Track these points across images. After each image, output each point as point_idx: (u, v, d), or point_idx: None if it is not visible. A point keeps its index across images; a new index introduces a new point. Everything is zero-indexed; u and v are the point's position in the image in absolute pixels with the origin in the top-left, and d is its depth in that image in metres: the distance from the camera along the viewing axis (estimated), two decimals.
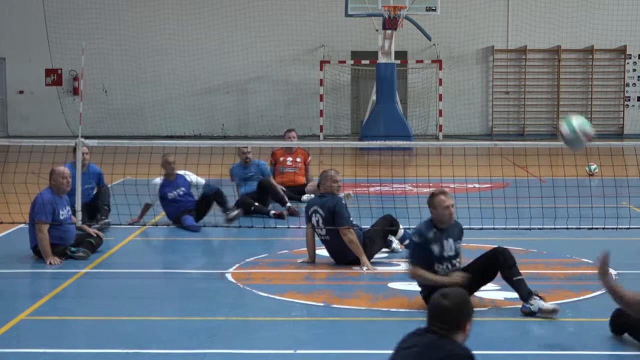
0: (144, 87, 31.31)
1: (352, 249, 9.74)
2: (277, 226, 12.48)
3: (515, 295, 8.46)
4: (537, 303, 7.72)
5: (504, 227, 11.12)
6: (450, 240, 7.99)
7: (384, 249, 10.29)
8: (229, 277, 9.42)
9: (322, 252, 10.13)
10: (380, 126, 25.62)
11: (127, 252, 11.00)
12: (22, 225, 11.45)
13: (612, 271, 9.36)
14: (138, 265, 10.15)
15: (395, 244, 10.41)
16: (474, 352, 4.66)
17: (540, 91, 31.48)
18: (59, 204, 10.24)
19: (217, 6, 31.02)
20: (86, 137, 12.14)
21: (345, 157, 21.23)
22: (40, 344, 7.07)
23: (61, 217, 10.25)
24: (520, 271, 7.91)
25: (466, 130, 31.33)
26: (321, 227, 9.91)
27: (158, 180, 12.76)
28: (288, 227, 12.43)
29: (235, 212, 12.51)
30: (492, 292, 8.33)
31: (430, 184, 13.80)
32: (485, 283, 8.06)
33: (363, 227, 10.24)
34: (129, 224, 12.03)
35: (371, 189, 15.45)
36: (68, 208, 10.46)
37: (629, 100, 31.61)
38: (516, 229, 11.23)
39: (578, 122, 8.99)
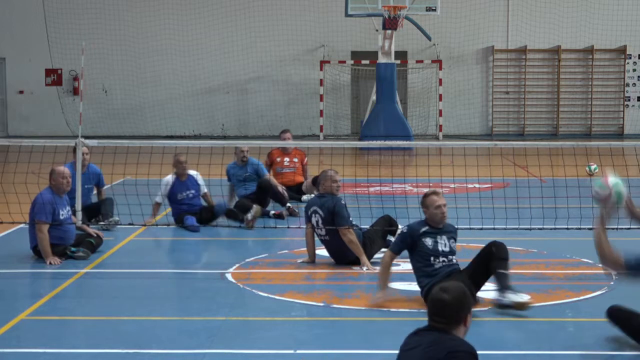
0: (144, 87, 31.31)
1: (352, 249, 9.74)
2: (277, 226, 12.48)
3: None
4: (510, 296, 7.81)
5: (504, 227, 11.12)
6: (444, 237, 8.13)
7: (383, 249, 10.28)
8: (229, 277, 9.41)
9: (322, 252, 10.13)
10: (380, 126, 25.62)
11: (127, 252, 11.00)
12: (22, 225, 11.45)
13: (612, 271, 9.38)
14: (138, 265, 10.15)
15: None
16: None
17: (540, 91, 31.48)
18: (59, 204, 10.24)
19: (217, 6, 31.02)
20: (86, 137, 12.15)
21: (345, 157, 21.24)
22: (40, 344, 7.07)
23: (61, 217, 10.25)
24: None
25: (466, 130, 31.33)
26: (321, 228, 9.91)
27: (170, 178, 12.69)
28: (288, 227, 12.42)
29: (252, 212, 12.42)
30: (492, 292, 8.32)
31: (430, 184, 13.79)
32: (487, 277, 8.08)
33: (363, 227, 10.24)
34: (143, 225, 11.98)
35: (371, 189, 15.45)
36: (68, 208, 10.46)
37: (629, 100, 31.61)
38: (516, 229, 11.22)
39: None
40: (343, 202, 9.97)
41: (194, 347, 6.95)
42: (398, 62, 28.14)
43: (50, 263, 9.95)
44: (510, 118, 31.76)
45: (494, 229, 11.00)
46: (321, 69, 30.23)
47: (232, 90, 31.50)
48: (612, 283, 8.97)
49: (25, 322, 7.77)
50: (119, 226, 12.08)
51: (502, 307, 7.83)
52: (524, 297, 7.84)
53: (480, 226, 11.01)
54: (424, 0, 26.81)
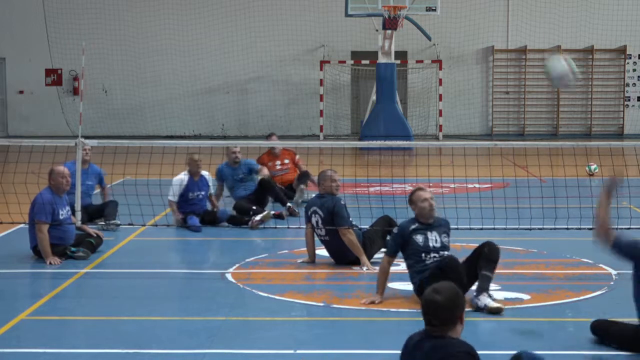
0: (144, 87, 31.31)
1: (352, 249, 9.75)
2: (277, 226, 12.48)
3: (515, 295, 8.48)
4: (484, 300, 7.85)
5: (504, 227, 11.12)
6: (435, 233, 8.21)
7: (383, 249, 10.28)
8: (229, 277, 9.41)
9: (322, 252, 10.13)
10: (380, 126, 25.61)
11: (127, 252, 11.00)
12: (22, 225, 11.45)
13: (612, 271, 9.39)
14: (138, 265, 10.15)
15: None
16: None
17: (540, 91, 31.46)
18: (58, 204, 10.24)
19: (217, 6, 31.02)
20: (86, 137, 12.15)
21: (345, 157, 21.23)
22: (40, 344, 7.07)
23: (61, 217, 10.25)
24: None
25: (466, 130, 31.33)
26: (321, 228, 9.91)
27: (183, 177, 12.60)
28: (288, 227, 12.42)
29: (261, 215, 12.43)
30: (492, 292, 8.32)
31: (430, 184, 13.78)
32: (476, 276, 8.07)
33: (362, 227, 10.24)
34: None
35: (371, 189, 15.45)
36: (68, 208, 10.46)
37: (629, 100, 31.61)
38: (516, 229, 11.23)
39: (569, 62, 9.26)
40: (343, 202, 9.97)
41: (194, 347, 6.95)
42: (398, 62, 28.13)
43: (50, 263, 9.95)
44: (510, 118, 31.75)
45: (494, 229, 11.00)
46: (321, 69, 30.22)
47: (232, 90, 31.50)
48: (612, 283, 8.98)
49: (25, 322, 7.77)
50: (120, 226, 12.08)
51: (476, 309, 7.84)
52: (497, 303, 7.86)
53: (480, 226, 11.01)
54: (424, 0, 26.80)
